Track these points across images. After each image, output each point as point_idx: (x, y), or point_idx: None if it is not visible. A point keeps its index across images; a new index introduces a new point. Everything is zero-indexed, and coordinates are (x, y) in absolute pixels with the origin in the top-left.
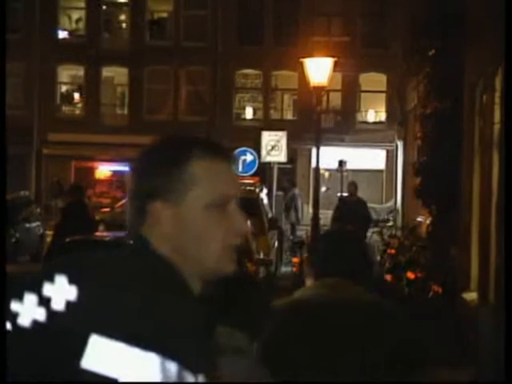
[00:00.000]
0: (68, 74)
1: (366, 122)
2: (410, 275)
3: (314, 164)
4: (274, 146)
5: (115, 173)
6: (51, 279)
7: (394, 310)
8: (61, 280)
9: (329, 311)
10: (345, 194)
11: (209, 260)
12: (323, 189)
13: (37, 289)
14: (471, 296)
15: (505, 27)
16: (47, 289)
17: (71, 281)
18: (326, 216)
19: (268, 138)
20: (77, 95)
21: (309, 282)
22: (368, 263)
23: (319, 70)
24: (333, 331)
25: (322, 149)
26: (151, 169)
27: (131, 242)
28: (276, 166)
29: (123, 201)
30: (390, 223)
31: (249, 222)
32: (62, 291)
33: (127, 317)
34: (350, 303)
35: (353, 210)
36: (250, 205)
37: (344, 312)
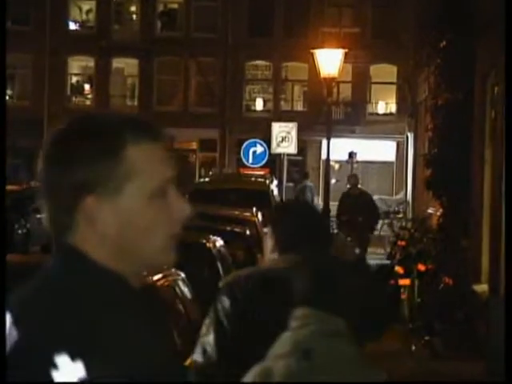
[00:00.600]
0: (78, 65)
1: (376, 114)
2: (421, 267)
3: (324, 156)
4: (284, 138)
5: None
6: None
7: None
8: (8, 318)
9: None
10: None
11: (153, 255)
12: (333, 180)
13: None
14: (482, 288)
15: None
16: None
17: (14, 322)
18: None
19: (278, 129)
20: (87, 86)
21: (272, 256)
22: (328, 233)
23: (329, 61)
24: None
25: (333, 140)
26: (78, 157)
27: (60, 255)
28: (286, 158)
29: None
30: (401, 215)
31: (259, 214)
32: (9, 332)
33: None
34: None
35: (357, 203)
36: (261, 197)
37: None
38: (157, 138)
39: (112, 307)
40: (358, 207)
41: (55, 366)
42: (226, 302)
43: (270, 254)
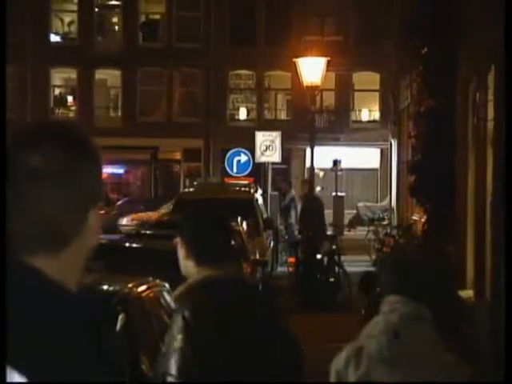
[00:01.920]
0: (61, 77)
1: (359, 121)
2: None
3: (308, 164)
4: (268, 147)
5: (110, 175)
6: None
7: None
8: None
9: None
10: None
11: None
12: (318, 188)
13: None
14: (467, 294)
15: (504, 25)
16: None
17: None
18: None
19: (262, 138)
20: (70, 98)
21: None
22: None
23: (312, 69)
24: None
25: (317, 148)
26: (91, 171)
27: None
28: (270, 167)
29: (119, 203)
30: (386, 222)
31: (244, 224)
32: None
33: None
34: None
35: (313, 210)
36: (245, 206)
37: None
38: None
39: (59, 323)
40: (312, 212)
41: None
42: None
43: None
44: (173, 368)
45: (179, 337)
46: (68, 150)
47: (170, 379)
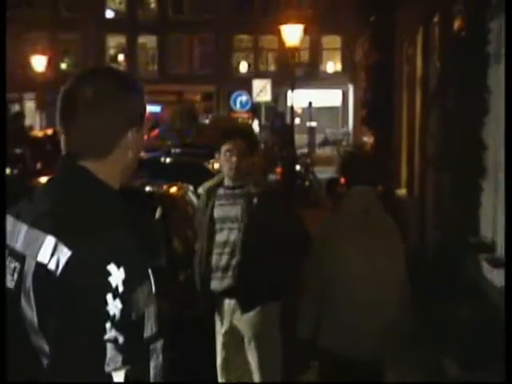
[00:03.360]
0: (114, 41)
1: (326, 72)
2: None
3: (289, 103)
4: (262, 90)
5: (150, 113)
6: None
7: None
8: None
9: None
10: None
11: (129, 173)
12: (297, 120)
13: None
14: (402, 191)
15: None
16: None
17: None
18: (298, 139)
19: (257, 84)
20: (121, 56)
21: None
22: None
23: (292, 34)
24: None
25: (296, 91)
26: (129, 101)
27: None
28: (263, 105)
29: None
30: (344, 143)
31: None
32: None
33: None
34: None
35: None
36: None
37: None
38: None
39: (114, 216)
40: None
41: (109, 274)
42: None
43: None
44: None
45: None
46: (117, 84)
47: None
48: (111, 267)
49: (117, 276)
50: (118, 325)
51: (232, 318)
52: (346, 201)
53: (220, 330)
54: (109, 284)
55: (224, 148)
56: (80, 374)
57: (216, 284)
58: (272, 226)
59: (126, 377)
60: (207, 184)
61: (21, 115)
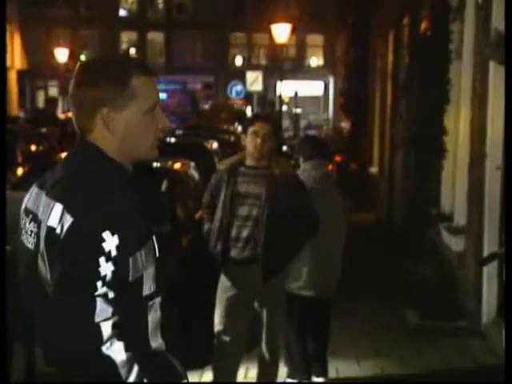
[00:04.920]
0: (126, 37)
1: (310, 66)
2: (338, 158)
3: (278, 92)
4: (255, 81)
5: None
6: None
7: None
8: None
9: None
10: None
11: (143, 151)
12: (284, 107)
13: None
14: (374, 170)
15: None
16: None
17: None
18: (285, 123)
19: (250, 75)
20: (132, 50)
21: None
22: None
23: (281, 32)
24: None
25: (284, 82)
26: (100, 81)
27: (81, 148)
28: (256, 94)
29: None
30: (325, 127)
31: (239, 127)
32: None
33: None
34: None
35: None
36: (240, 116)
37: None
38: (150, 72)
39: (116, 188)
40: None
41: (103, 240)
42: None
43: None
44: None
45: None
46: (93, 71)
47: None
48: (106, 234)
49: (111, 242)
50: (109, 283)
51: (245, 285)
52: (303, 174)
53: (224, 295)
54: (102, 249)
55: (251, 129)
56: (72, 322)
57: (236, 253)
58: (292, 207)
59: (113, 326)
60: (228, 161)
61: (55, 100)
